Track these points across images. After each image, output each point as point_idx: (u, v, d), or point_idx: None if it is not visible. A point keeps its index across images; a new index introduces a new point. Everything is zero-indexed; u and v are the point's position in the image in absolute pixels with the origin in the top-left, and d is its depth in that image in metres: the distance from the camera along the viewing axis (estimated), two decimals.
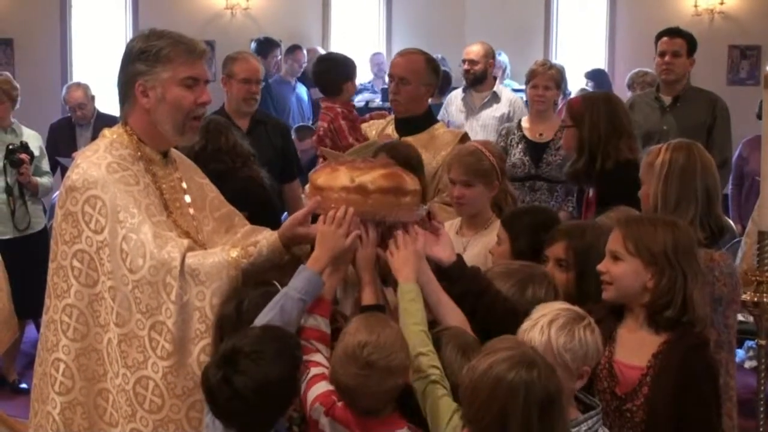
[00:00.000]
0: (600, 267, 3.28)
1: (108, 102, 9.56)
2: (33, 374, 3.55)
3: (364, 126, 5.70)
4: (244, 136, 5.54)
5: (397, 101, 5.39)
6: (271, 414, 2.96)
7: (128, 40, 3.53)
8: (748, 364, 7.53)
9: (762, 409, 4.31)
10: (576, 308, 3.04)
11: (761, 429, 4.31)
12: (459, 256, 3.34)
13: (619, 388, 3.20)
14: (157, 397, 3.24)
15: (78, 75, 11.57)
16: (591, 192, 4.97)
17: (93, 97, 8.83)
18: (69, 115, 8.91)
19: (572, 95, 10.42)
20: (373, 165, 3.36)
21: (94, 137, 8.40)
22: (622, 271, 3.22)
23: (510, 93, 8.12)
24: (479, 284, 3.29)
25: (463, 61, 8.15)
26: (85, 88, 8.81)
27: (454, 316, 3.25)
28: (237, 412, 2.90)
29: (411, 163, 4.00)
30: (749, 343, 7.35)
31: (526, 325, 2.98)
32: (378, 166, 3.35)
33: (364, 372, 2.93)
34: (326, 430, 3.04)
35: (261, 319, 3.11)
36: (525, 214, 4.07)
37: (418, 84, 5.34)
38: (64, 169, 8.26)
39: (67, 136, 8.72)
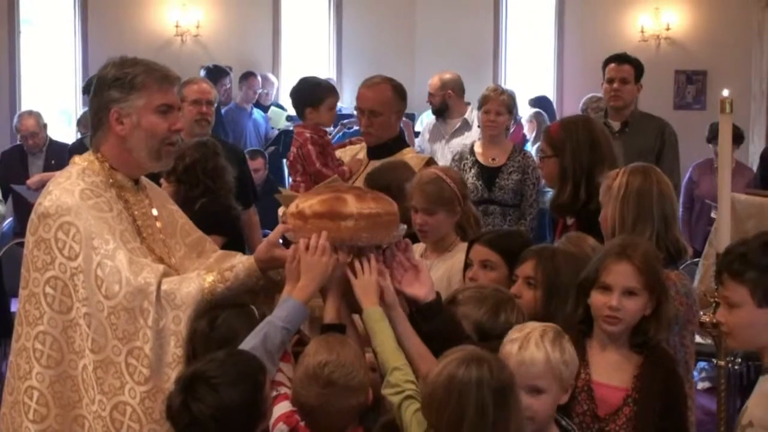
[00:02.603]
0: (612, 305, 3.27)
1: (57, 130, 9.54)
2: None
3: (339, 152, 5.70)
4: (233, 168, 5.59)
5: (370, 133, 5.41)
6: None
7: (100, 68, 3.51)
8: (700, 385, 7.61)
9: (722, 429, 4.35)
10: (551, 324, 3.12)
11: None
12: (438, 296, 3.33)
13: (600, 410, 3.24)
14: (134, 422, 3.23)
15: (27, 103, 11.50)
16: (570, 220, 4.76)
17: (45, 126, 8.83)
18: (20, 143, 8.87)
19: (522, 120, 10.54)
20: (320, 192, 3.39)
21: (46, 165, 8.58)
22: (638, 306, 3.26)
23: None
24: (451, 328, 3.27)
25: None
26: (37, 116, 8.82)
27: (422, 355, 3.23)
28: None
29: (390, 189, 3.97)
30: (701, 364, 7.44)
31: (512, 346, 3.02)
32: (324, 192, 3.38)
33: (326, 390, 2.97)
34: None
35: (243, 347, 3.10)
36: (510, 236, 4.09)
37: (390, 114, 5.38)
38: (17, 197, 8.22)
39: (18, 163, 8.73)
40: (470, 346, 2.97)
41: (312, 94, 5.76)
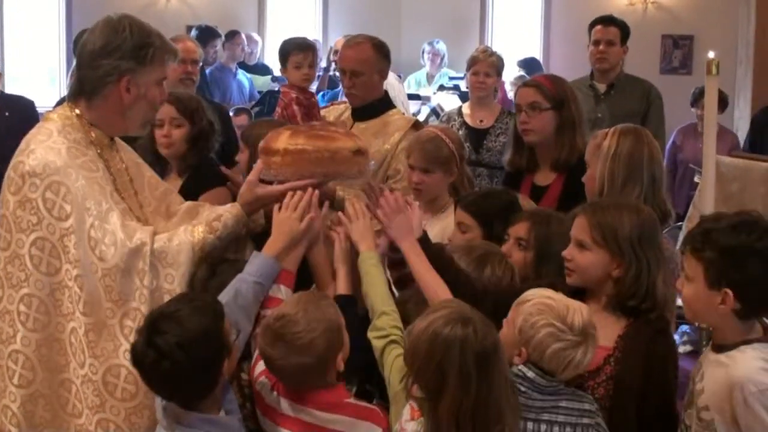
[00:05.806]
0: (565, 254, 3.31)
1: (42, 91, 9.54)
2: None
3: (323, 111, 5.66)
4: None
5: (354, 94, 5.30)
6: (202, 372, 2.90)
7: (108, 22, 3.40)
8: (682, 349, 7.57)
9: None
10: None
11: None
12: (424, 233, 3.40)
13: None
14: (130, 384, 3.21)
15: (10, 63, 11.65)
16: (547, 179, 4.79)
17: (1, 74, 9.05)
18: None
19: (506, 84, 10.51)
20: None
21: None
22: (587, 260, 3.27)
23: (390, 77, 8.24)
24: (442, 262, 3.33)
25: None
26: None
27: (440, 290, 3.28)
28: (166, 374, 2.86)
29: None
30: (683, 327, 7.45)
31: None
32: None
33: (274, 344, 2.98)
34: (272, 404, 3.09)
35: None
36: (488, 197, 4.09)
37: (372, 73, 5.28)
38: None
39: None
40: (458, 302, 2.97)
41: (279, 54, 5.74)
